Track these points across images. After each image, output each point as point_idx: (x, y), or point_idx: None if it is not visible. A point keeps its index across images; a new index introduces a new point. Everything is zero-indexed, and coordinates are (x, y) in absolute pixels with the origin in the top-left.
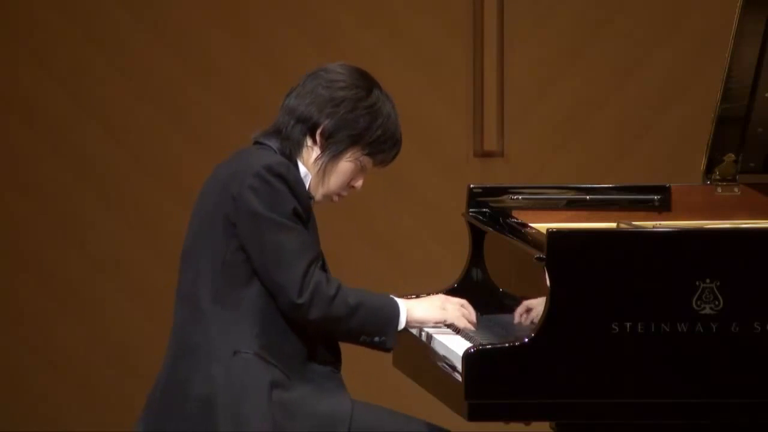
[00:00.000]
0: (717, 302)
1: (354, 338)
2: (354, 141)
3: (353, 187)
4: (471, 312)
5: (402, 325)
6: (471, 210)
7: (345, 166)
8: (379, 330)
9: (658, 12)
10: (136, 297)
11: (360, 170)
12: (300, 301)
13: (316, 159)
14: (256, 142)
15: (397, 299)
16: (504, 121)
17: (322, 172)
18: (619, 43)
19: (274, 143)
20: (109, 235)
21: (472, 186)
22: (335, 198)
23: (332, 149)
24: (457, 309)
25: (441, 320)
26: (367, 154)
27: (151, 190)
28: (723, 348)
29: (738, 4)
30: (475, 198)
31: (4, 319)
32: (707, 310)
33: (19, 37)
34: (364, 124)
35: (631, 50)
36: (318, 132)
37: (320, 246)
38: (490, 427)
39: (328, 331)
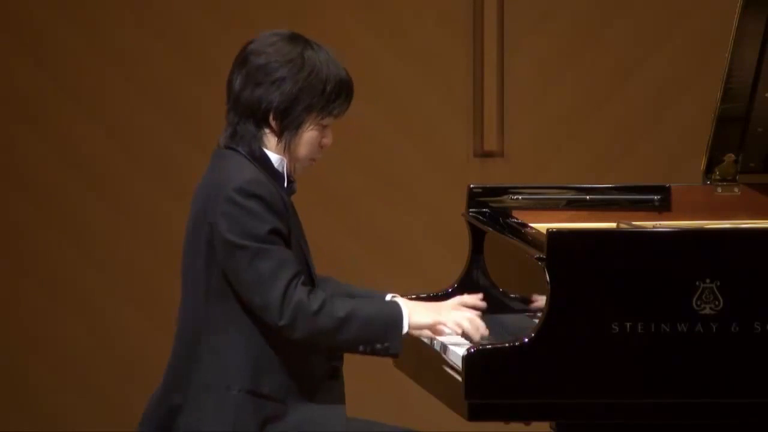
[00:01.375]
0: (717, 302)
1: (352, 348)
2: (308, 110)
3: (324, 146)
4: (474, 320)
5: (405, 329)
6: (471, 210)
7: (308, 135)
8: (379, 337)
9: (658, 12)
10: (136, 297)
11: (323, 129)
12: (282, 323)
13: (278, 142)
14: (226, 147)
15: (401, 304)
16: (504, 121)
17: (290, 150)
18: (619, 43)
19: (241, 147)
20: (109, 235)
21: (472, 186)
22: (312, 162)
23: (290, 127)
24: (455, 314)
25: (436, 323)
26: (325, 115)
27: (151, 190)
28: (723, 348)
29: (738, 4)
30: (475, 198)
31: (4, 318)
32: (707, 310)
33: (19, 37)
34: (311, 92)
35: (631, 50)
36: (270, 118)
37: (306, 247)
38: (490, 427)
39: (321, 346)
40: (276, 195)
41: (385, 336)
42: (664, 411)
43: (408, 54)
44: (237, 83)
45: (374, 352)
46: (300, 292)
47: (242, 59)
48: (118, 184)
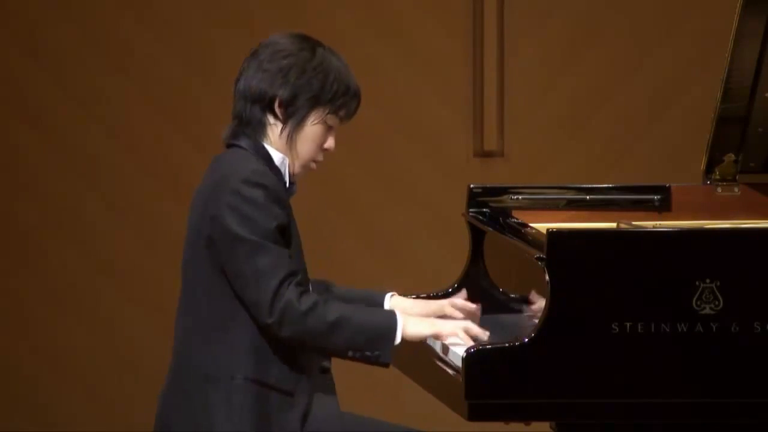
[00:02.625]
0: (717, 302)
1: (341, 353)
2: (313, 103)
3: (326, 149)
4: (472, 327)
5: (398, 339)
6: (471, 210)
7: (312, 130)
8: (370, 345)
9: (658, 12)
10: (137, 297)
11: (328, 130)
12: (270, 320)
13: (281, 132)
14: (229, 145)
15: (397, 313)
16: (504, 121)
17: (291, 143)
18: (619, 43)
19: (244, 141)
20: (110, 235)
21: (472, 186)
22: (312, 165)
23: (294, 118)
24: (451, 324)
25: (432, 335)
26: (330, 112)
27: (151, 190)
28: (723, 348)
29: (738, 4)
30: (475, 198)
31: (5, 319)
32: (707, 310)
33: (19, 37)
34: (318, 84)
35: (631, 50)
36: (275, 105)
37: (301, 248)
38: (490, 427)
39: (309, 346)
40: (279, 186)
41: (376, 344)
42: (663, 411)
43: (408, 54)
44: (246, 74)
45: (364, 359)
46: (291, 292)
47: (253, 52)
48: (119, 184)
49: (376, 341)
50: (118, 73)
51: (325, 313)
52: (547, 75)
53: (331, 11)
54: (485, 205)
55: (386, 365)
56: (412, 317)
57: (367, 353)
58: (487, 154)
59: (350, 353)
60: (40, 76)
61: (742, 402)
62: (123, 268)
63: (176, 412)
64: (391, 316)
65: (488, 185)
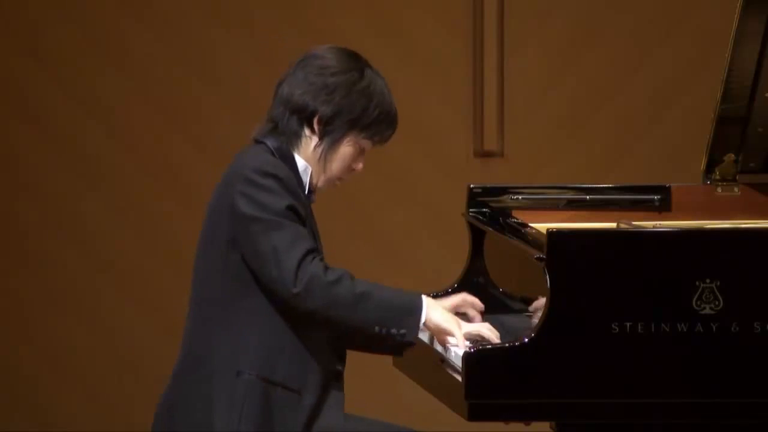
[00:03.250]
0: (717, 302)
1: (367, 328)
2: (352, 125)
3: (354, 169)
4: (489, 334)
5: (423, 319)
6: (471, 210)
7: (345, 150)
8: (395, 321)
9: (658, 12)
10: (138, 297)
11: (360, 152)
12: (295, 290)
13: (315, 147)
14: (256, 141)
15: (423, 296)
16: (504, 121)
17: (323, 160)
18: (619, 43)
19: (271, 141)
20: (110, 235)
21: (472, 186)
22: (337, 182)
23: (331, 136)
24: (469, 327)
25: (450, 330)
26: (366, 137)
27: (151, 190)
28: (723, 348)
29: (738, 4)
30: (475, 198)
31: (5, 319)
32: (707, 310)
33: (19, 38)
34: (361, 107)
35: (631, 50)
36: (315, 121)
37: (319, 243)
38: (490, 427)
39: (335, 321)
40: (293, 179)
41: (402, 321)
42: (663, 411)
43: (408, 54)
44: (291, 81)
45: (389, 337)
46: (316, 265)
47: (302, 59)
48: (119, 183)
49: (402, 318)
50: (118, 73)
51: (352, 285)
52: (547, 75)
53: (331, 11)
54: (485, 205)
55: (411, 344)
56: (438, 307)
57: (393, 330)
58: (487, 154)
59: (377, 329)
60: (40, 76)
61: (742, 402)
62: (123, 268)
63: (179, 407)
64: (418, 295)
65: (488, 185)
